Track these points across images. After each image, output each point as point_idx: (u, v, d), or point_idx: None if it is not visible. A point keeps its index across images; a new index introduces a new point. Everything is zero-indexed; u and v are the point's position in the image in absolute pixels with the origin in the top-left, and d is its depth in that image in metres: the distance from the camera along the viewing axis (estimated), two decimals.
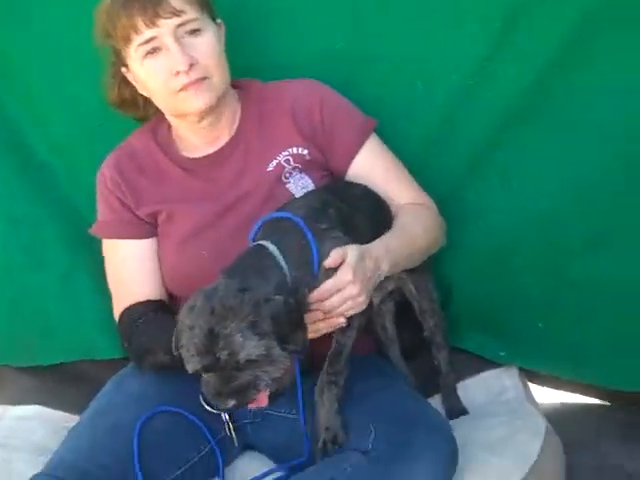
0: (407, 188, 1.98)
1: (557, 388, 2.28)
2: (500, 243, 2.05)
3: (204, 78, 1.82)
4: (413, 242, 1.85)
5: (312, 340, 1.64)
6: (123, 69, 1.90)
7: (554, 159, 1.95)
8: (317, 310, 1.63)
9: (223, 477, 1.83)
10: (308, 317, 1.62)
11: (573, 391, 2.27)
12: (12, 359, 2.34)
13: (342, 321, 1.67)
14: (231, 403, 1.53)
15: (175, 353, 1.58)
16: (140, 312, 1.92)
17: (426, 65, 1.98)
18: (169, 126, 2.00)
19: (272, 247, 1.64)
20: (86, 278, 2.23)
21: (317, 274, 1.65)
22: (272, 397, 1.60)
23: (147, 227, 1.97)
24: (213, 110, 1.89)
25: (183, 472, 1.81)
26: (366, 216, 1.85)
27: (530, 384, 2.16)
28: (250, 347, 1.49)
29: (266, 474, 1.82)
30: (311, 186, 1.90)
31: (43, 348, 2.30)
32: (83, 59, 2.06)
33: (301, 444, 1.77)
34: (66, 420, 2.08)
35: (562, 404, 2.27)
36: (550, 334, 2.05)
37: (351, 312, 1.66)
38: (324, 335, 1.70)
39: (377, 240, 1.76)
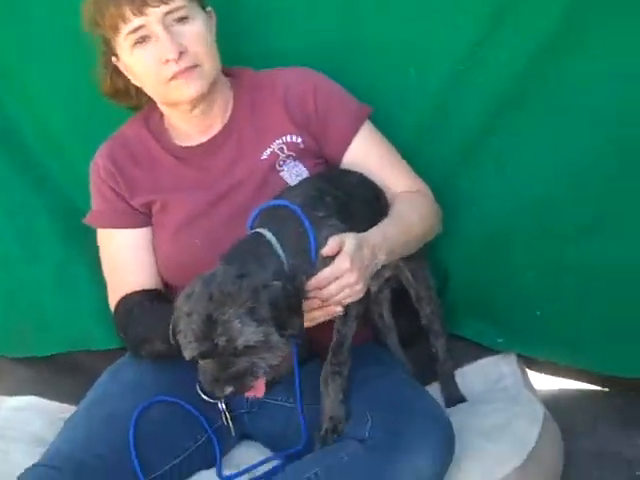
0: (402, 175, 1.97)
1: (555, 375, 2.28)
2: (495, 229, 2.05)
3: (194, 66, 1.81)
4: (409, 230, 1.84)
5: (309, 329, 1.64)
6: (113, 58, 1.89)
7: (547, 144, 1.94)
8: (314, 298, 1.62)
9: (220, 466, 1.82)
10: (305, 305, 1.61)
11: (571, 377, 2.26)
12: (8, 350, 2.35)
13: (339, 310, 1.66)
14: (228, 390, 1.52)
15: (172, 341, 1.58)
16: (136, 301, 1.92)
17: (418, 52, 1.98)
18: (161, 114, 1.99)
19: (269, 235, 1.64)
20: (81, 268, 2.23)
21: (315, 262, 1.64)
22: (269, 386, 1.60)
23: (141, 217, 1.96)
24: (205, 98, 1.88)
25: (180, 461, 1.81)
26: (363, 204, 1.84)
27: (528, 371, 2.15)
28: (248, 333, 1.49)
29: (262, 462, 1.82)
30: (305, 174, 1.90)
31: (39, 339, 2.30)
32: (75, 50, 2.05)
33: (298, 432, 1.77)
34: (62, 411, 2.08)
35: (560, 390, 2.26)
36: (547, 320, 2.05)
37: (348, 300, 1.65)
38: (321, 324, 1.69)
39: (374, 228, 1.75)
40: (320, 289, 1.62)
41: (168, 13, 1.79)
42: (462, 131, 2.00)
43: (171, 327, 1.58)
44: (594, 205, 1.94)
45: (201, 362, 1.54)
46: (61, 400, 2.17)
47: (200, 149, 1.95)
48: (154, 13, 1.78)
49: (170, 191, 1.93)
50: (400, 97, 2.03)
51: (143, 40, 1.80)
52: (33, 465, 1.71)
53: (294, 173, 1.90)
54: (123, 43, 1.82)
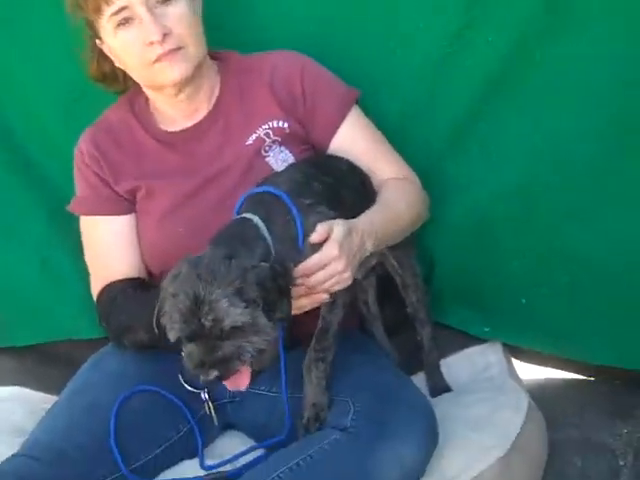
0: (390, 162, 1.95)
1: (541, 364, 2.28)
2: (482, 216, 2.04)
3: (179, 48, 1.79)
4: (397, 217, 1.83)
5: (295, 317, 1.62)
6: (97, 42, 1.87)
7: (533, 130, 1.93)
8: (301, 285, 1.61)
9: (203, 456, 1.81)
10: (292, 292, 1.59)
11: (557, 367, 2.27)
12: None
13: (325, 297, 1.65)
14: (213, 374, 1.50)
15: (155, 326, 1.56)
16: (119, 289, 1.90)
17: (404, 32, 1.96)
18: (147, 99, 1.97)
19: (256, 219, 1.62)
20: (65, 257, 2.21)
21: (302, 249, 1.63)
22: (253, 376, 1.58)
23: (125, 203, 1.94)
24: (190, 82, 1.86)
25: (162, 451, 1.80)
26: (351, 190, 1.83)
27: (514, 360, 2.15)
28: (235, 314, 1.47)
29: (245, 452, 1.81)
30: (291, 159, 1.88)
31: (22, 328, 2.28)
32: (59, 33, 2.02)
33: (281, 422, 1.76)
34: (45, 401, 2.06)
35: (546, 380, 2.26)
36: (533, 308, 2.04)
37: (336, 288, 1.64)
38: (307, 312, 1.68)
39: (362, 215, 1.74)
40: (308, 276, 1.60)
41: None
42: (449, 115, 1.99)
43: (156, 309, 1.55)
44: (581, 191, 1.92)
45: (186, 346, 1.52)
46: (44, 390, 2.15)
47: (185, 134, 1.93)
48: None
49: (155, 177, 1.91)
50: (386, 80, 2.02)
51: (126, 22, 1.78)
52: (12, 455, 1.70)
53: (280, 159, 1.88)
54: (106, 25, 1.80)
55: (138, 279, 1.94)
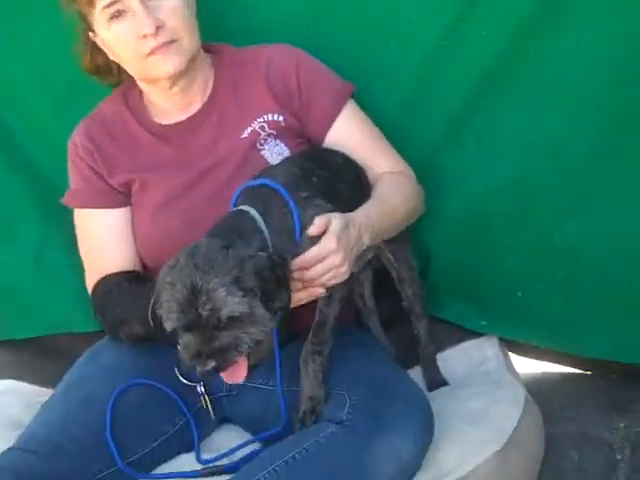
0: (385, 156, 1.95)
1: (538, 358, 2.28)
2: (478, 209, 2.03)
3: (172, 41, 1.78)
4: (393, 211, 1.82)
5: (291, 310, 1.61)
6: (91, 34, 1.86)
7: (529, 123, 1.92)
8: (298, 280, 1.60)
9: (199, 450, 1.81)
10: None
11: (554, 361, 2.26)
12: None
13: (322, 291, 1.64)
14: (211, 365, 1.48)
15: (150, 318, 1.55)
16: (114, 282, 1.89)
17: (399, 26, 1.95)
18: (141, 92, 1.96)
19: (253, 211, 1.61)
20: (60, 250, 2.20)
21: (299, 242, 1.62)
22: (249, 369, 1.57)
23: (120, 196, 1.94)
24: (184, 75, 1.85)
25: (158, 445, 1.80)
26: (347, 184, 1.82)
27: (511, 354, 2.15)
28: (233, 303, 1.46)
29: (242, 446, 1.81)
30: (286, 153, 1.87)
31: (17, 322, 2.27)
32: (53, 26, 2.01)
33: (277, 416, 1.76)
34: (41, 394, 2.06)
35: (542, 374, 2.26)
36: (529, 302, 2.04)
37: (333, 282, 1.63)
38: (304, 305, 1.67)
39: (359, 209, 1.74)
40: (305, 269, 1.60)
41: None
42: (445, 109, 1.98)
43: (152, 300, 1.54)
44: (577, 186, 1.92)
45: (183, 336, 1.51)
46: (41, 384, 2.14)
47: (179, 127, 1.93)
48: None
49: (149, 170, 1.91)
50: (381, 74, 2.01)
51: (119, 14, 1.77)
52: (8, 449, 1.70)
53: (275, 152, 1.88)
54: (99, 18, 1.79)
55: (133, 272, 1.93)
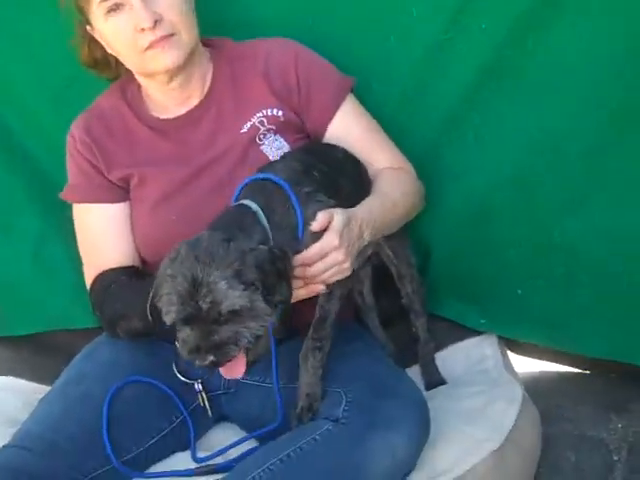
0: (385, 151, 1.94)
1: (536, 357, 2.27)
2: (477, 205, 2.02)
3: (171, 35, 1.77)
4: (393, 207, 1.82)
5: (291, 306, 1.61)
6: (88, 27, 1.85)
7: (528, 118, 1.91)
8: (299, 278, 1.60)
9: (195, 448, 1.80)
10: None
11: (552, 360, 2.26)
12: None
13: (322, 288, 1.63)
14: (209, 359, 1.47)
15: (149, 315, 1.55)
16: (113, 278, 1.89)
17: (399, 20, 1.94)
18: (139, 86, 1.95)
19: (255, 206, 1.60)
20: (59, 244, 2.19)
21: (302, 238, 1.61)
22: (247, 365, 1.56)
23: (119, 191, 1.93)
24: (182, 70, 1.84)
25: (154, 443, 1.79)
26: (349, 179, 1.82)
27: (510, 353, 2.14)
28: (234, 297, 1.45)
29: (237, 443, 1.80)
30: (286, 148, 1.86)
31: (16, 318, 2.27)
32: (50, 21, 2.01)
33: (275, 414, 1.75)
34: (39, 391, 2.04)
35: (541, 373, 2.26)
36: (529, 301, 2.03)
37: (335, 278, 1.63)
38: (304, 301, 1.66)
39: (360, 204, 1.73)
40: (308, 266, 1.59)
41: None
42: (444, 103, 1.97)
43: (152, 293, 1.53)
44: (577, 181, 1.91)
45: (182, 330, 1.50)
46: (39, 381, 2.14)
47: (178, 122, 1.92)
48: None
49: (147, 164, 1.90)
50: (381, 68, 2.00)
51: (117, 8, 1.76)
52: (3, 446, 1.69)
53: (275, 147, 1.87)
54: (96, 11, 1.79)
55: (132, 267, 1.93)
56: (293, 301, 1.62)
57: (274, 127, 1.87)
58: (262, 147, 1.87)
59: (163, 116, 1.93)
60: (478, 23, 1.86)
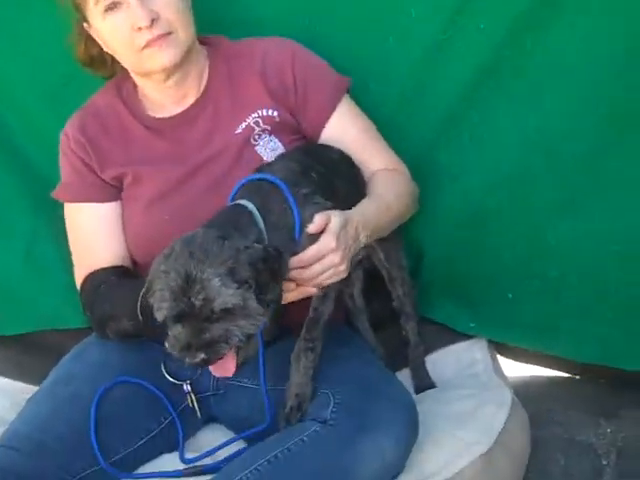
0: (380, 153, 1.94)
1: (526, 362, 2.28)
2: (473, 207, 2.02)
3: (168, 33, 1.77)
4: (388, 209, 1.81)
5: (283, 307, 1.61)
6: (85, 25, 1.85)
7: (525, 119, 1.91)
8: (294, 280, 1.59)
9: (183, 449, 1.80)
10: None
11: (542, 365, 2.26)
12: None
13: (313, 290, 1.63)
14: (200, 356, 1.47)
15: (139, 314, 1.55)
16: (103, 278, 1.88)
17: (398, 20, 1.94)
18: (135, 84, 1.94)
19: (250, 206, 1.60)
20: (50, 244, 2.19)
21: (298, 239, 1.61)
22: (237, 366, 1.56)
23: (111, 190, 1.92)
24: (179, 68, 1.84)
25: (143, 444, 1.79)
26: (345, 181, 1.82)
27: (500, 357, 2.14)
28: (227, 295, 1.45)
29: (226, 444, 1.80)
30: (281, 149, 1.86)
31: (6, 318, 2.26)
32: (45, 19, 2.01)
33: (263, 416, 1.74)
34: (27, 392, 2.02)
35: (531, 377, 2.26)
36: (519, 304, 2.03)
37: (331, 281, 1.63)
38: (292, 303, 1.66)
39: (356, 206, 1.73)
40: (304, 268, 1.59)
41: None
42: (442, 103, 1.97)
43: (144, 290, 1.53)
44: (572, 184, 1.91)
45: (173, 328, 1.49)
46: (27, 381, 2.13)
47: (174, 121, 1.91)
48: None
49: (142, 163, 1.89)
50: (379, 68, 2.00)
51: (114, 6, 1.76)
52: None
53: (269, 148, 1.87)
54: (94, 9, 1.78)
55: (122, 267, 1.92)
56: (284, 303, 1.62)
57: (269, 128, 1.87)
58: (256, 148, 1.87)
59: (159, 115, 1.93)
60: (476, 23, 1.86)
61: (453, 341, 2.11)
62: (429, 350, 2.07)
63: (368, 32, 1.98)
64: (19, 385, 2.13)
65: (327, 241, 1.59)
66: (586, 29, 1.80)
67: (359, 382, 1.68)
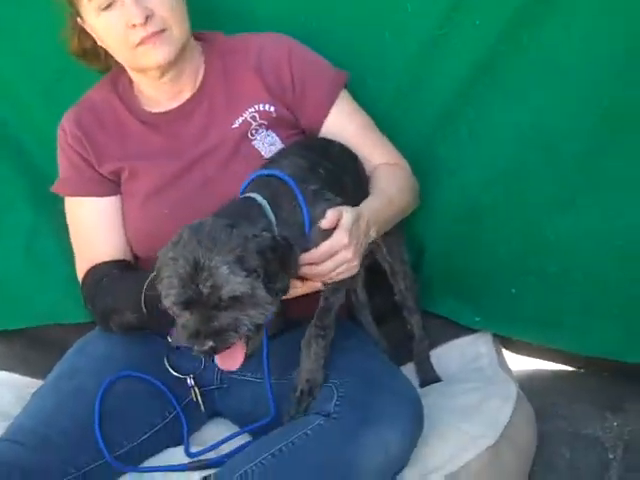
0: (380, 147, 1.93)
1: (531, 355, 2.27)
2: (472, 202, 2.01)
3: (162, 30, 1.77)
4: (391, 203, 1.81)
5: (286, 302, 1.61)
6: (79, 20, 1.84)
7: (521, 115, 1.91)
8: (302, 276, 1.59)
9: (187, 443, 1.79)
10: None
11: (546, 358, 2.26)
12: None
13: (319, 285, 1.63)
14: (209, 344, 1.46)
15: (143, 307, 1.54)
16: (105, 271, 1.88)
17: (394, 16, 1.93)
18: (130, 79, 1.94)
19: (260, 199, 1.59)
20: (51, 238, 2.18)
21: (309, 235, 1.60)
22: (245, 357, 1.54)
23: (110, 184, 1.92)
24: (174, 65, 1.83)
25: (147, 438, 1.78)
26: (351, 176, 1.81)
27: (504, 351, 2.14)
28: (235, 283, 1.44)
29: (230, 438, 1.80)
30: (278, 143, 1.86)
31: (8, 313, 2.26)
32: (39, 14, 2.01)
33: (267, 410, 1.74)
34: (32, 386, 2.03)
35: (535, 371, 2.26)
36: (523, 299, 2.03)
37: (343, 277, 1.63)
38: (297, 298, 1.65)
39: (364, 202, 1.73)
40: (316, 264, 1.58)
41: None
42: (438, 99, 1.97)
43: (151, 277, 1.52)
44: (569, 180, 1.90)
45: (181, 315, 1.48)
46: (32, 375, 2.13)
47: (169, 116, 1.91)
48: None
49: (138, 158, 1.89)
50: (376, 64, 1.99)
51: (109, 5, 1.75)
52: None
53: (267, 142, 1.86)
54: (87, 5, 1.78)
55: (124, 261, 1.92)
56: (291, 297, 1.61)
57: (266, 122, 1.87)
58: (254, 142, 1.86)
59: (155, 110, 1.92)
60: (472, 19, 1.86)
61: (457, 335, 2.10)
62: (433, 344, 2.07)
63: (364, 27, 1.98)
64: (24, 379, 2.13)
65: (340, 237, 1.58)
66: (582, 26, 1.79)
67: (362, 375, 1.68)
